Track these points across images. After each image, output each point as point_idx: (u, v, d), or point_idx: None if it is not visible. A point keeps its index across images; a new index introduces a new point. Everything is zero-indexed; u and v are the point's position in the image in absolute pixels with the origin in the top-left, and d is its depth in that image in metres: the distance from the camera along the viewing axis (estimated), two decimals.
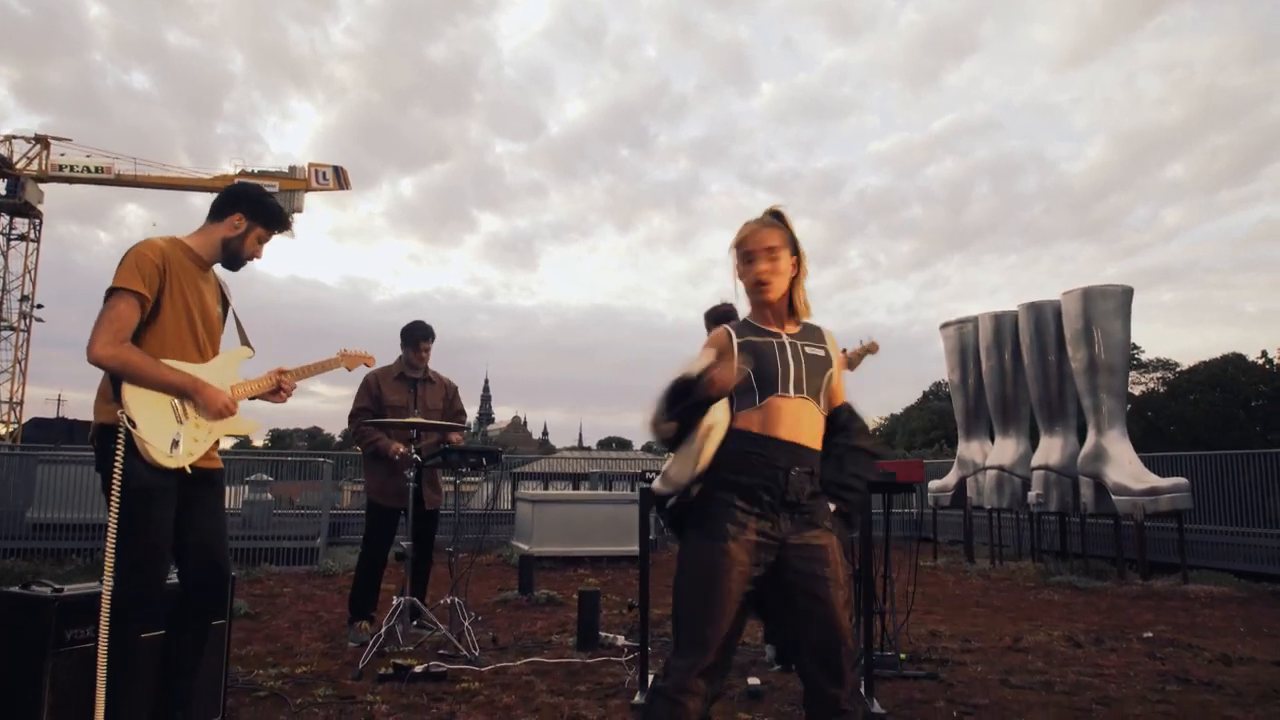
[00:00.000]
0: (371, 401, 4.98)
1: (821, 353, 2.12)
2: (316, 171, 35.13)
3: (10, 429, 33.48)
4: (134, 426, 2.40)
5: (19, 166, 32.34)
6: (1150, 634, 5.20)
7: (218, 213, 2.69)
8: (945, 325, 10.30)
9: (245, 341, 2.87)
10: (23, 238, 33.56)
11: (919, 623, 5.63)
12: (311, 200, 35.75)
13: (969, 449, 9.92)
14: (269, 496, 9.16)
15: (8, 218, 33.15)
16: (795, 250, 2.13)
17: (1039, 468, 8.75)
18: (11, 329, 33.07)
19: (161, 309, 2.52)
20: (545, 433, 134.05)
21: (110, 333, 2.40)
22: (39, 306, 33.67)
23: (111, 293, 2.45)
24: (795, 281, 2.14)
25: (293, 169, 35.18)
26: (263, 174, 34.44)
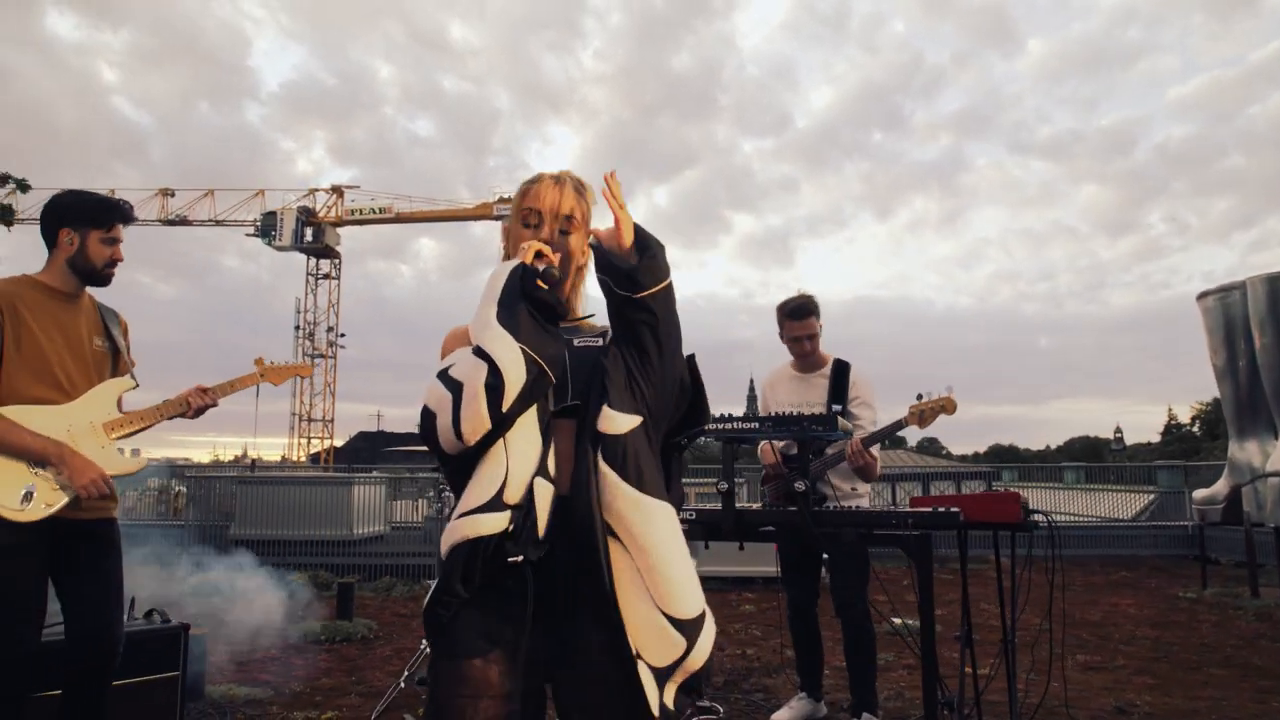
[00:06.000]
0: None
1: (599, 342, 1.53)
2: None
3: (325, 443, 39.14)
4: None
5: (321, 215, 37.69)
6: None
7: (47, 238, 2.50)
8: (1203, 295, 8.17)
9: (128, 372, 2.67)
10: (327, 277, 39.08)
11: (1115, 689, 4.32)
12: None
13: (1243, 450, 7.77)
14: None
15: (314, 260, 38.74)
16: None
17: None
18: (322, 356, 38.55)
19: (4, 351, 2.36)
20: None
21: None
22: (342, 335, 39.03)
23: None
24: (583, 270, 1.59)
25: None
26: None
